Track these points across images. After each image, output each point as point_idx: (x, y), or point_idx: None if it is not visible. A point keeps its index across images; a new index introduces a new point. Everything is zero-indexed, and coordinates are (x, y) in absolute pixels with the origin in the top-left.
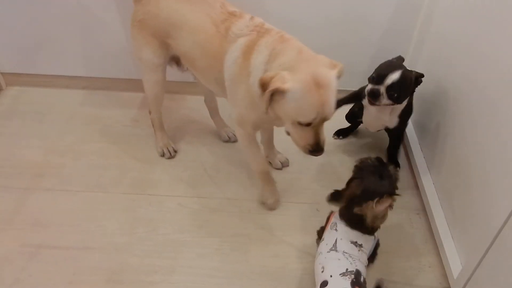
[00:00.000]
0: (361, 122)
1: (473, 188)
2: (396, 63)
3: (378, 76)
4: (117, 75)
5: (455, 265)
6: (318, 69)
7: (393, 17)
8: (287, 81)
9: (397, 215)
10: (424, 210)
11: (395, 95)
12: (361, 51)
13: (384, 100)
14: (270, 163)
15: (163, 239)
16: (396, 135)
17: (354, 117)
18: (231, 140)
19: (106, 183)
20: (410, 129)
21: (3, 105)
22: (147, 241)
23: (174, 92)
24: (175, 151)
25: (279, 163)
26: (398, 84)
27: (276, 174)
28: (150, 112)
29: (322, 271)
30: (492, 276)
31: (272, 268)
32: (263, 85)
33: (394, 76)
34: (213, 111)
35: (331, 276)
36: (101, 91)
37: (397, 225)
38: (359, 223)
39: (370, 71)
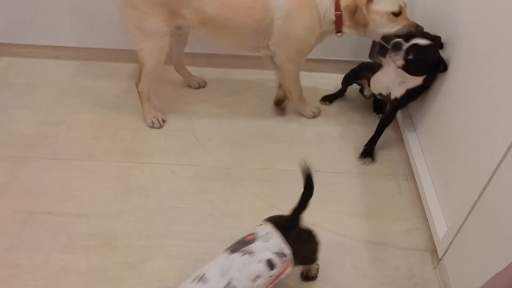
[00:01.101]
0: (358, 84)
1: (457, 149)
2: (432, 38)
3: (407, 36)
4: (108, 45)
5: (441, 227)
6: None
7: None
8: None
9: (386, 182)
10: (412, 176)
11: (410, 57)
12: None
13: (399, 60)
14: None
15: (156, 206)
16: (389, 113)
17: (354, 78)
18: (201, 86)
19: (99, 152)
20: None
21: None
22: (140, 208)
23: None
24: (164, 121)
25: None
26: (419, 51)
27: (272, 144)
28: (137, 85)
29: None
30: (474, 236)
31: None
32: (352, 9)
33: (421, 41)
34: (179, 65)
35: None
36: (92, 62)
37: (386, 190)
38: None
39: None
